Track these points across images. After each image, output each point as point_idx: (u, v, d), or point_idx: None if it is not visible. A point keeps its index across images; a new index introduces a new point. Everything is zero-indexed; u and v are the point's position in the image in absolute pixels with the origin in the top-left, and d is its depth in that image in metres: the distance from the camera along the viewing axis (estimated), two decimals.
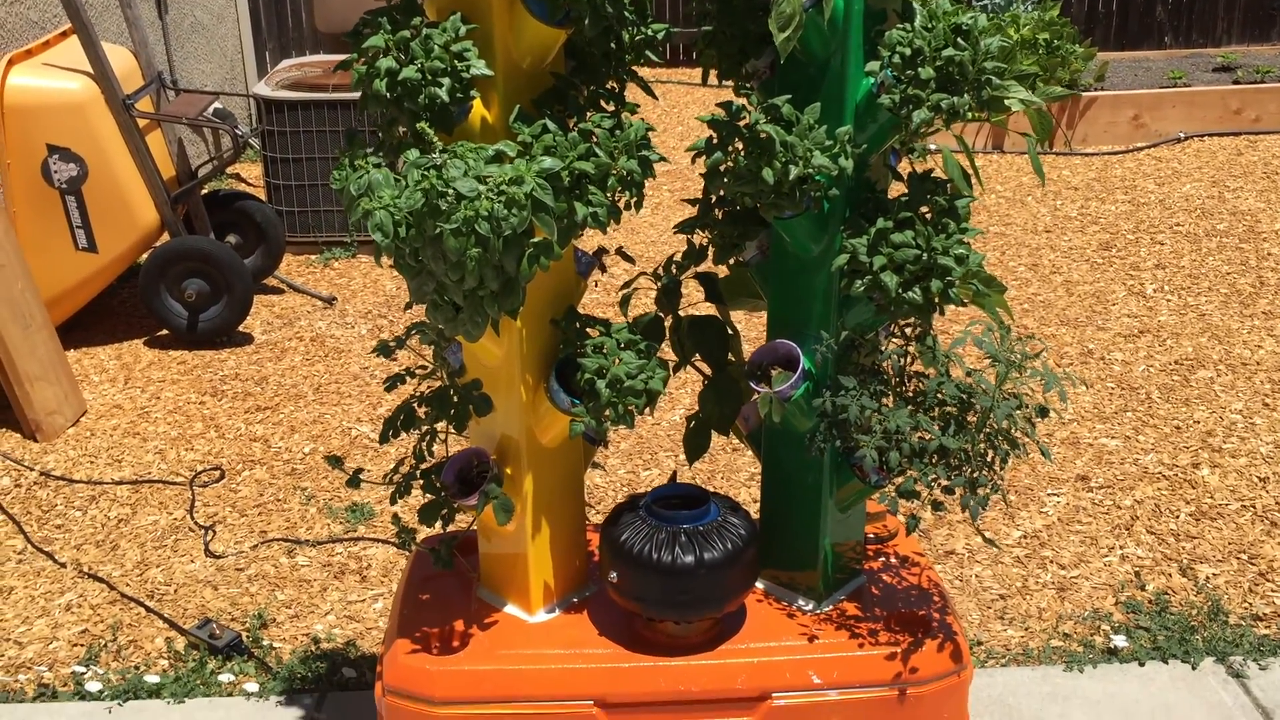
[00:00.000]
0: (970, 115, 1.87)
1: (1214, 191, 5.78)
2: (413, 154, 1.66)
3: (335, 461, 2.10)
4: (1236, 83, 6.85)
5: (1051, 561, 3.08)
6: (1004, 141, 6.54)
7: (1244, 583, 2.98)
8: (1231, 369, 4.05)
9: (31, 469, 3.64)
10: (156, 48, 5.98)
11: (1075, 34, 6.66)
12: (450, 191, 1.58)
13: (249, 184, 5.75)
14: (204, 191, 4.73)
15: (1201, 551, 3.10)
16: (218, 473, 3.60)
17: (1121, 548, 3.13)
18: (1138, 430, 3.69)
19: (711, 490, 2.06)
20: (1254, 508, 3.28)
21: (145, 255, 4.56)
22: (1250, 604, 2.90)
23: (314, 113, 5.21)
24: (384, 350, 2.01)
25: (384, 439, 2.00)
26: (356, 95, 5.30)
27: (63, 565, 3.17)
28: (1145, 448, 3.59)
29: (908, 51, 1.73)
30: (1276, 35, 8.35)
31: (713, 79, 2.00)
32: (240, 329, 4.55)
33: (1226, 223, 5.37)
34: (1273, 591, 2.94)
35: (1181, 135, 6.55)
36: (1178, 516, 3.25)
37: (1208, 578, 2.99)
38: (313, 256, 5.35)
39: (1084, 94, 6.52)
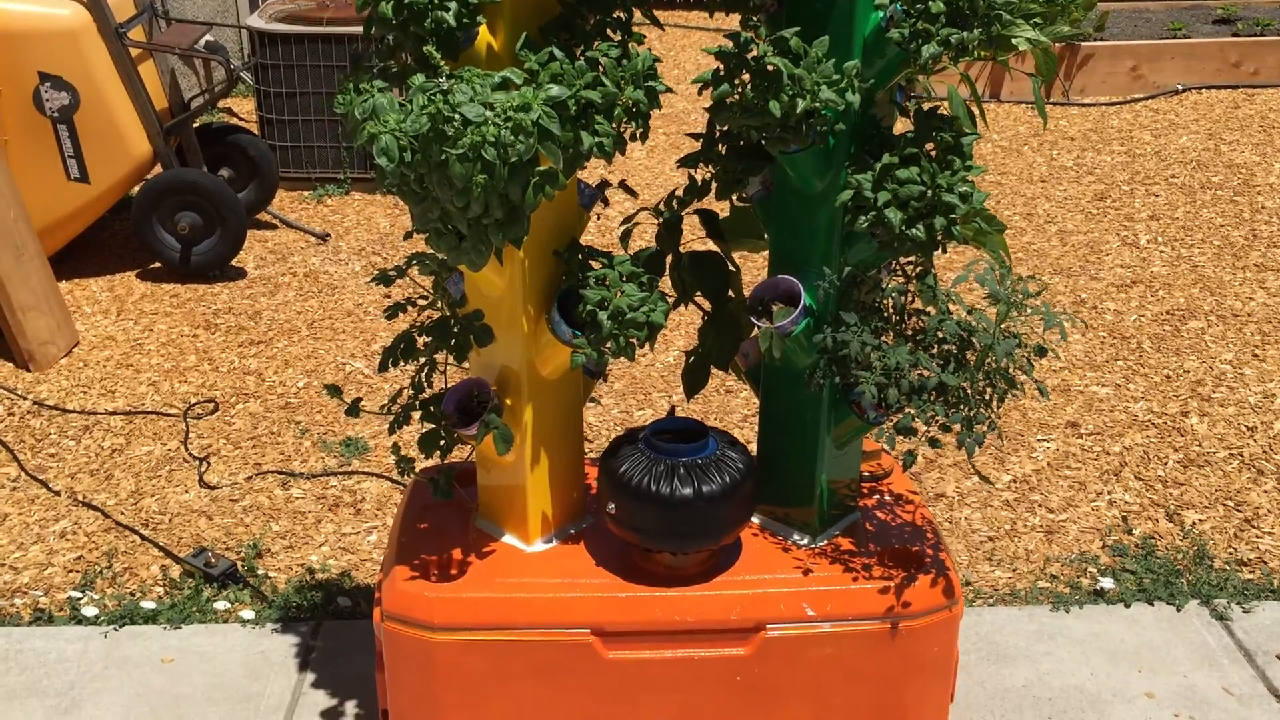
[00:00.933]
0: (978, 54, 1.87)
1: (1210, 144, 5.78)
2: (418, 79, 1.65)
3: (334, 391, 2.10)
4: (1236, 35, 6.81)
5: (1040, 505, 3.12)
6: (1001, 90, 6.52)
7: (1229, 529, 3.02)
8: (1222, 320, 4.07)
9: (25, 398, 3.64)
10: None
11: None
12: (457, 116, 1.57)
13: (241, 119, 5.68)
14: (196, 125, 4.69)
15: (1188, 498, 3.14)
16: (211, 405, 3.60)
17: (1110, 493, 3.16)
18: (1128, 379, 3.72)
19: (710, 425, 2.08)
20: (1241, 456, 3.31)
21: (138, 187, 4.53)
22: (1235, 549, 2.94)
23: (308, 47, 5.15)
24: (383, 279, 2.01)
25: (383, 367, 2.00)
26: (351, 29, 5.25)
27: (57, 493, 3.18)
28: (1135, 396, 3.62)
29: None
30: None
31: (714, 24, 1.98)
32: (233, 263, 4.54)
33: (1222, 175, 5.38)
34: (1257, 537, 2.98)
35: (1179, 87, 6.53)
36: (1166, 463, 3.29)
37: (1194, 523, 3.03)
38: (306, 193, 5.32)
39: (1083, 44, 6.49)
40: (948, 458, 3.30)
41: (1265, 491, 3.15)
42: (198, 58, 4.62)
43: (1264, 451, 3.33)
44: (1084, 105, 6.42)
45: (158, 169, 4.48)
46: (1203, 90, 6.54)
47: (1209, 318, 4.09)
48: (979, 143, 5.86)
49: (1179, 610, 2.72)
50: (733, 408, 3.59)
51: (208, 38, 4.79)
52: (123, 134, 4.26)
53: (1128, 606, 2.74)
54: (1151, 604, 2.74)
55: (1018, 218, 4.98)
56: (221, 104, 5.74)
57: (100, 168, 4.25)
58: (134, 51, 4.26)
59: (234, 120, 5.30)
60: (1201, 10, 7.68)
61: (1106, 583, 2.80)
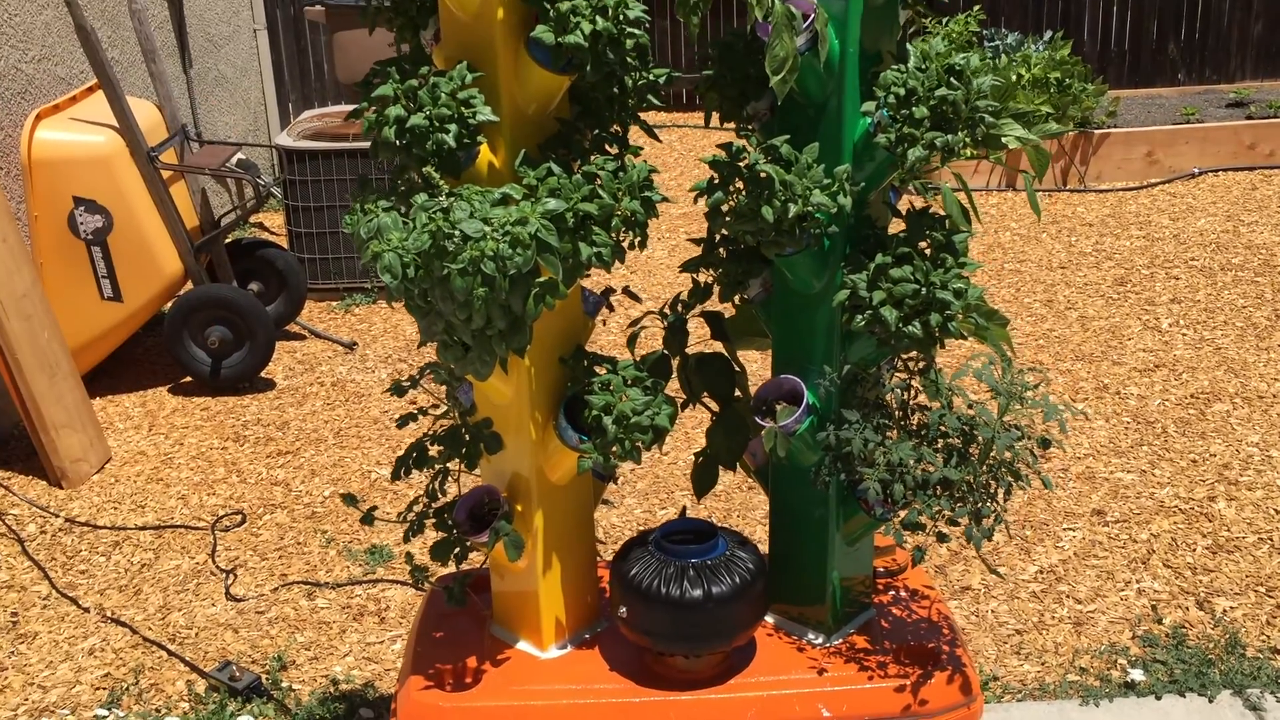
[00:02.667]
0: (969, 153, 1.91)
1: (1229, 226, 5.79)
2: (421, 198, 1.71)
3: (350, 500, 2.13)
4: (1250, 118, 6.87)
5: (1068, 596, 3.08)
6: (1017, 180, 6.58)
7: (1261, 615, 2.96)
8: (1248, 402, 4.05)
9: (57, 515, 3.70)
10: (181, 101, 6.11)
11: (1087, 72, 6.71)
12: (456, 233, 1.62)
13: (271, 232, 5.83)
14: (227, 240, 4.82)
15: (1218, 585, 3.09)
16: (239, 517, 3.65)
17: (1138, 581, 3.12)
18: (1154, 464, 3.69)
19: (720, 525, 2.09)
20: (1271, 540, 3.27)
21: (169, 304, 4.65)
22: (1268, 636, 2.88)
23: (334, 161, 5.30)
24: (398, 390, 2.06)
25: (395, 476, 2.03)
26: (369, 150, 5.40)
27: (86, 610, 3.21)
28: (1161, 481, 3.59)
29: (902, 92, 1.77)
30: None
31: (717, 122, 2.05)
32: (262, 375, 4.62)
33: (1242, 256, 5.38)
34: None
35: (1196, 171, 6.57)
36: (1194, 550, 3.25)
37: (1225, 610, 2.98)
38: (334, 303, 5.42)
39: (1096, 131, 6.56)
40: (972, 550, 3.28)
41: None
42: (229, 177, 4.77)
43: None
44: (1100, 191, 6.47)
45: (189, 285, 4.59)
46: (1219, 173, 6.58)
47: (1234, 400, 4.06)
48: (999, 231, 5.91)
49: (1211, 701, 2.66)
50: (755, 504, 3.59)
51: (239, 156, 4.95)
52: (155, 253, 4.38)
53: (1159, 699, 2.69)
54: (1183, 695, 2.69)
55: (1038, 304, 5.00)
56: (253, 219, 5.90)
57: (133, 287, 4.36)
58: (166, 173, 4.40)
59: (266, 234, 5.45)
60: (1214, 95, 7.75)
61: (1137, 674, 2.75)
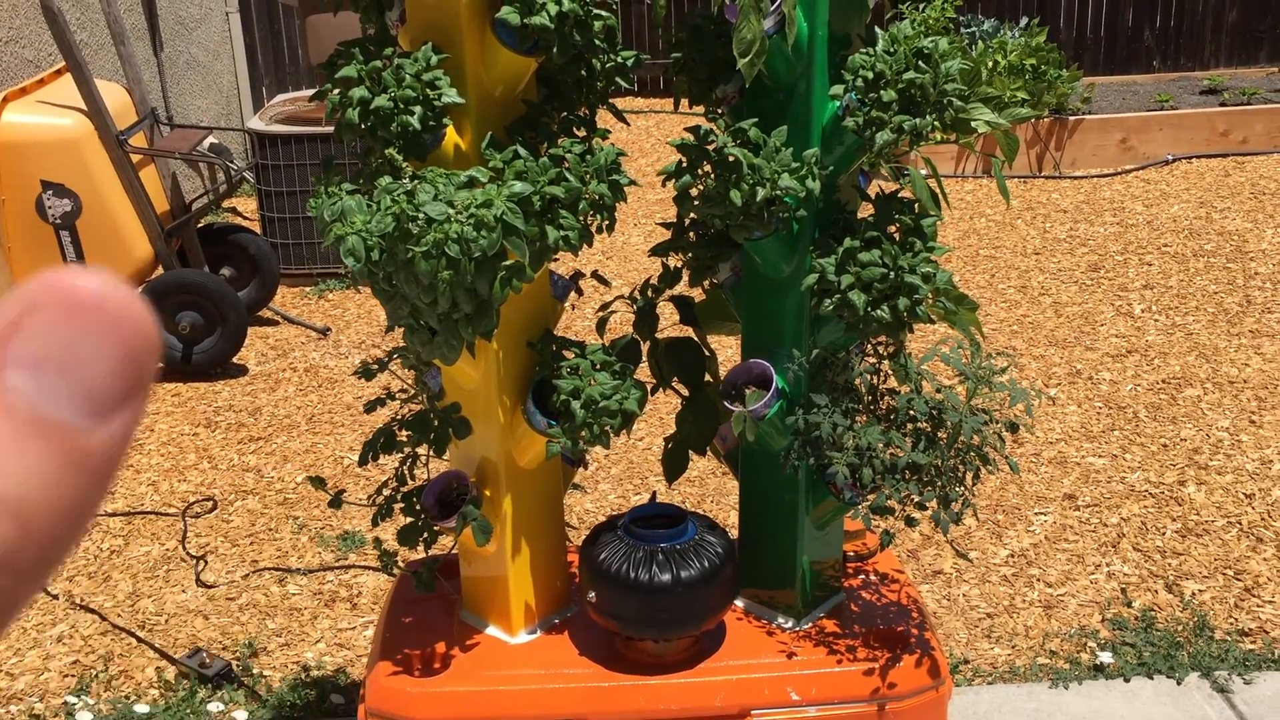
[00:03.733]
0: (938, 137, 1.90)
1: (1201, 212, 5.82)
2: (384, 180, 1.70)
3: (318, 482, 2.12)
4: (1223, 105, 6.90)
5: (1038, 580, 3.10)
6: (992, 166, 6.59)
7: (1229, 598, 2.99)
8: (1218, 387, 4.07)
9: None
10: (152, 84, 6.04)
11: (1062, 59, 6.72)
12: (420, 215, 1.61)
13: (244, 217, 5.79)
14: (199, 225, 4.78)
15: (1187, 568, 3.12)
16: (210, 503, 3.62)
17: (1108, 565, 3.14)
18: (1125, 449, 3.71)
19: (689, 509, 2.09)
20: (1240, 524, 3.29)
21: (139, 288, 4.60)
22: (1236, 619, 2.91)
23: (307, 146, 5.26)
24: (366, 373, 2.04)
25: (363, 461, 2.02)
26: (333, 133, 5.36)
27: (55, 597, 3.18)
28: (1132, 466, 3.61)
29: (870, 75, 1.76)
30: (1263, 58, 8.41)
31: (687, 106, 2.04)
32: (234, 361, 4.59)
33: (1214, 243, 5.41)
34: (1258, 606, 2.95)
35: (1169, 157, 6.60)
36: (1164, 534, 3.27)
37: (1193, 594, 3.01)
38: (307, 288, 5.39)
39: (1071, 117, 6.58)
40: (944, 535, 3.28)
41: (1265, 559, 3.13)
42: (200, 160, 4.73)
43: (1262, 519, 3.30)
44: (1075, 178, 6.49)
45: (159, 270, 4.55)
46: (1192, 160, 6.61)
47: (1205, 385, 4.09)
48: (974, 217, 5.92)
49: (1179, 684, 2.68)
50: (729, 489, 3.59)
51: (211, 140, 4.90)
52: (124, 238, 4.34)
53: (1127, 681, 2.70)
54: (1151, 678, 2.71)
55: (1012, 290, 5.01)
56: (225, 204, 5.85)
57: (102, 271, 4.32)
58: (136, 156, 4.36)
59: (238, 219, 5.40)
60: (1188, 82, 7.78)
61: (1106, 657, 2.77)
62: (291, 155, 5.27)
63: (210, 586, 3.20)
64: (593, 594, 1.97)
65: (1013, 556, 3.20)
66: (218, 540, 3.42)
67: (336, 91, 1.74)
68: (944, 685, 2.03)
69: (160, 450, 3.96)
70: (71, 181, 4.19)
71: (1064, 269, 5.22)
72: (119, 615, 3.09)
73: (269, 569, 3.27)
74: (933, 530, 3.29)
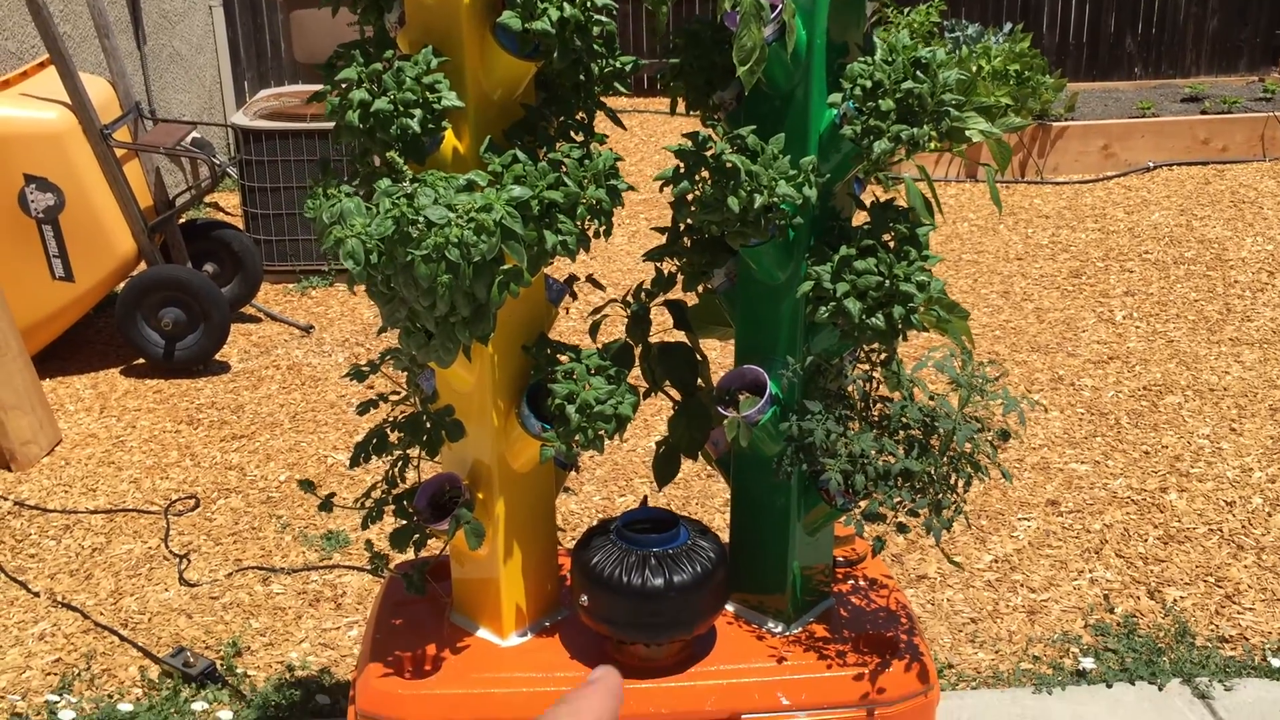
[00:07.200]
0: (933, 146, 1.92)
1: (1182, 220, 5.87)
2: (384, 183, 1.69)
3: (307, 486, 2.11)
4: (1204, 113, 6.96)
5: (1022, 585, 3.12)
6: (977, 171, 6.63)
7: (1211, 605, 3.02)
8: (1199, 394, 4.11)
9: (5, 499, 3.64)
10: (135, 78, 6.00)
11: (1045, 65, 6.77)
12: (420, 219, 1.61)
13: (227, 213, 5.76)
14: (181, 221, 4.75)
15: (1169, 575, 3.14)
16: (193, 501, 3.60)
17: (1090, 571, 3.17)
18: (1107, 455, 3.74)
19: (681, 514, 2.09)
20: (1221, 531, 3.32)
21: (122, 284, 4.58)
22: (1217, 626, 2.93)
23: (291, 142, 5.24)
24: (358, 375, 2.03)
25: (354, 463, 2.02)
26: (332, 125, 5.34)
27: (36, 594, 3.16)
28: (1114, 472, 3.64)
29: (868, 84, 1.77)
30: (1244, 66, 8.49)
31: (683, 110, 2.04)
32: (217, 357, 4.56)
33: (1194, 250, 5.46)
34: (1238, 613, 2.98)
35: (1150, 164, 6.65)
36: (1146, 540, 3.30)
37: (1175, 600, 3.03)
38: (290, 285, 5.36)
39: (1054, 124, 6.62)
40: (930, 540, 3.30)
41: (1245, 567, 3.16)
42: (183, 156, 4.70)
43: (1243, 526, 3.34)
44: (1057, 184, 6.53)
45: (142, 266, 4.52)
46: (1174, 167, 6.66)
47: (1185, 392, 4.13)
48: (956, 222, 5.95)
49: (1160, 690, 2.71)
50: (714, 492, 3.59)
51: (194, 135, 4.87)
52: (107, 233, 4.31)
53: (1109, 687, 2.73)
54: (1133, 683, 2.73)
55: (995, 295, 5.04)
56: (208, 199, 5.82)
57: (85, 266, 4.29)
58: (119, 151, 4.33)
59: (220, 215, 5.37)
60: (1170, 89, 7.85)
61: (1088, 663, 2.79)
62: (275, 151, 5.25)
63: (193, 585, 3.19)
64: (584, 597, 1.97)
65: (996, 562, 3.22)
66: (200, 539, 3.41)
67: (336, 93, 1.74)
68: (932, 691, 2.04)
69: (142, 447, 3.94)
70: (55, 175, 4.15)
71: (1046, 275, 5.26)
72: (101, 613, 3.07)
73: (253, 568, 3.25)
74: (918, 535, 3.31)
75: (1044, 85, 6.55)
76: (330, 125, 5.33)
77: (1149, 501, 3.48)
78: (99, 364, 4.61)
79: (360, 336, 4.78)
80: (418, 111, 1.71)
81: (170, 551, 3.34)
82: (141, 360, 4.57)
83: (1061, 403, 4.08)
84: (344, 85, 1.73)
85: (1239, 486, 3.53)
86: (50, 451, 3.91)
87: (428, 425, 2.02)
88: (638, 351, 2.13)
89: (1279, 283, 5.05)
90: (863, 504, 1.94)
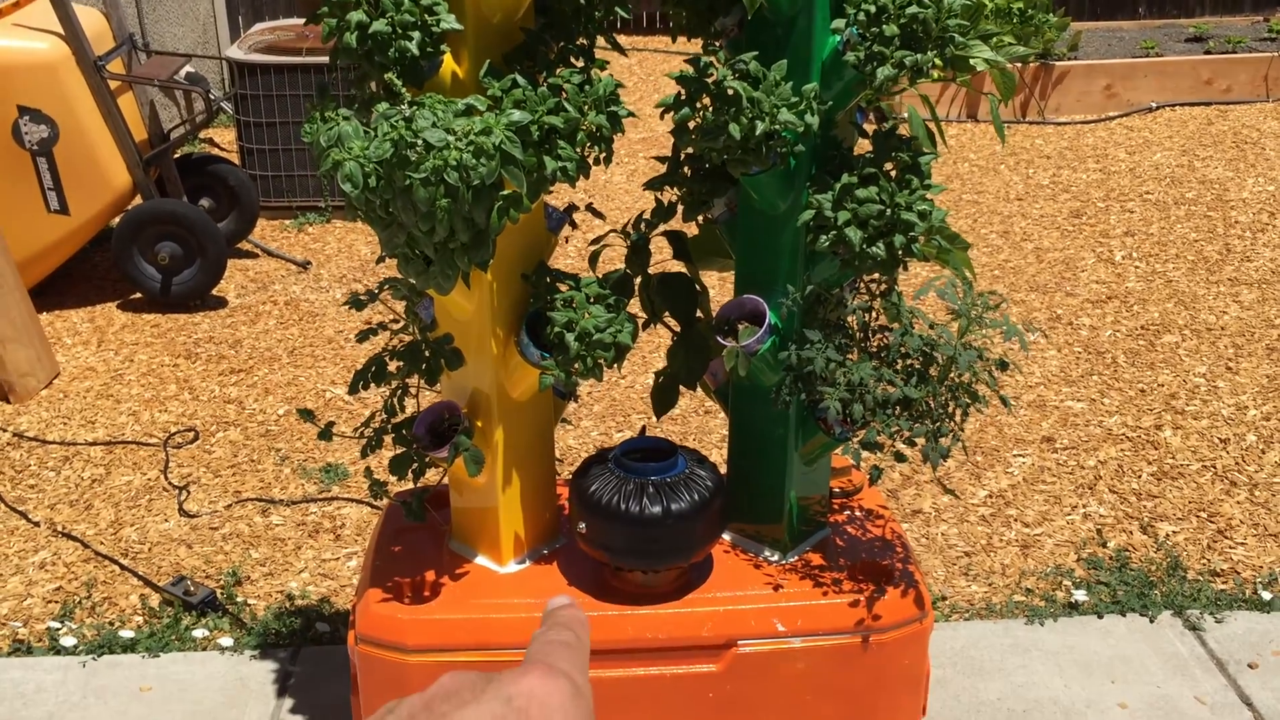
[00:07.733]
0: (936, 75, 1.90)
1: (1184, 160, 5.84)
2: (382, 106, 1.68)
3: (307, 415, 2.12)
4: (1208, 53, 6.90)
5: (1016, 520, 3.14)
6: (978, 110, 6.58)
7: (1203, 540, 3.04)
8: (1196, 334, 4.11)
9: (4, 430, 3.65)
10: (128, 9, 5.93)
11: (1049, 3, 6.69)
12: (419, 142, 1.60)
13: (222, 149, 5.72)
14: (176, 155, 4.72)
15: (1162, 510, 3.17)
16: (191, 434, 3.61)
17: (1084, 506, 3.19)
18: (1103, 393, 3.75)
19: (680, 444, 2.10)
20: (1214, 468, 3.34)
21: (118, 218, 4.55)
22: (1208, 560, 2.96)
23: (287, 76, 5.19)
24: (356, 303, 2.03)
25: (354, 389, 2.02)
26: (329, 58, 5.29)
27: (36, 524, 3.18)
28: (1110, 410, 3.65)
29: (872, 9, 1.75)
30: (1248, 6, 8.40)
31: (684, 40, 2.02)
32: (214, 293, 4.55)
33: (1195, 191, 5.43)
34: (1230, 548, 3.00)
35: (1153, 105, 6.60)
36: (1140, 476, 3.32)
37: (1167, 535, 3.06)
38: (287, 221, 5.34)
39: (1057, 63, 6.56)
40: (924, 474, 3.32)
41: (1238, 503, 3.18)
42: (178, 89, 4.65)
43: (1236, 463, 3.36)
44: (1059, 124, 6.48)
45: (138, 200, 4.50)
46: (1176, 107, 6.62)
47: (1183, 332, 4.13)
48: (957, 162, 5.92)
49: (1152, 621, 2.74)
50: (711, 428, 3.61)
51: (188, 69, 4.82)
52: (102, 166, 4.28)
53: (1101, 618, 2.76)
54: (1125, 615, 2.76)
55: (995, 235, 5.03)
56: (203, 134, 5.77)
57: (80, 199, 4.27)
58: (113, 83, 4.29)
59: (215, 150, 5.33)
60: (1174, 29, 7.77)
61: (1080, 595, 2.82)
62: (271, 86, 5.20)
63: (193, 516, 3.20)
64: (582, 525, 1.99)
65: (991, 497, 3.24)
66: (200, 471, 3.42)
67: (333, 15, 1.72)
68: (927, 618, 2.06)
69: (140, 381, 3.94)
70: (48, 107, 4.11)
71: (1046, 215, 5.24)
72: (101, 543, 3.09)
73: (252, 500, 3.27)
74: (913, 470, 3.33)
75: (1047, 24, 6.48)
76: (326, 59, 5.27)
77: (1144, 438, 3.49)
78: (96, 298, 4.60)
79: (358, 273, 4.77)
80: (416, 34, 1.70)
81: (170, 483, 3.35)
82: (138, 295, 4.56)
83: (1059, 341, 4.08)
84: (341, 6, 1.71)
85: (1233, 424, 3.55)
86: (48, 384, 3.92)
87: (427, 354, 2.02)
88: (637, 282, 2.13)
89: (1279, 223, 5.04)
90: (860, 433, 1.95)
